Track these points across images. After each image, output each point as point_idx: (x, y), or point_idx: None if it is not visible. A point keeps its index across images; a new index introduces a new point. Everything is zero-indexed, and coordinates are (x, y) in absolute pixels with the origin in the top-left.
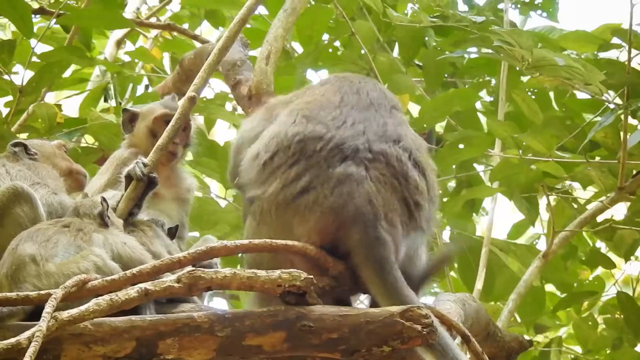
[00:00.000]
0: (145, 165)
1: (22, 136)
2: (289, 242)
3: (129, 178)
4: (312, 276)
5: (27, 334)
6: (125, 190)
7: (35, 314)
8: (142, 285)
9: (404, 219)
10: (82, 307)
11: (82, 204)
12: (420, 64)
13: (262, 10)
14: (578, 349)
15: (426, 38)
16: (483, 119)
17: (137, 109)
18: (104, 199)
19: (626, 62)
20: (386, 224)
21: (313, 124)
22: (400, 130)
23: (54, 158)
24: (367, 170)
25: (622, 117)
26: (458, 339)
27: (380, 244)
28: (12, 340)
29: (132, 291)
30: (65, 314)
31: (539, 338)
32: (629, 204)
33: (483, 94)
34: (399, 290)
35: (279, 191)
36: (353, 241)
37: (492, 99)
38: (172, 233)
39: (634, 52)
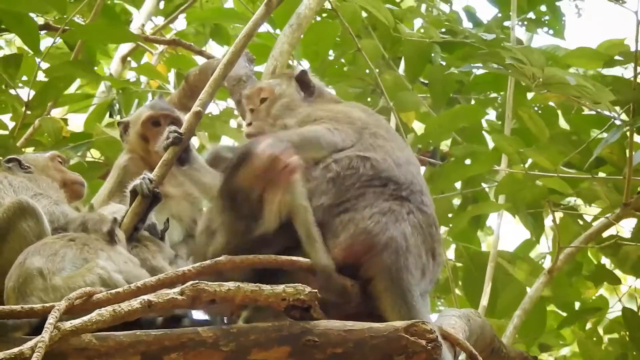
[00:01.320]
0: (151, 181)
1: (28, 150)
2: (294, 258)
3: (134, 193)
4: (316, 290)
5: (30, 344)
6: (130, 205)
7: (41, 328)
8: (145, 297)
9: (426, 267)
10: (85, 318)
11: (90, 218)
12: (426, 81)
13: (267, 27)
14: None
15: (433, 55)
16: (488, 137)
17: (128, 118)
18: (115, 219)
19: (632, 79)
20: (413, 262)
21: (400, 172)
22: (418, 172)
23: (48, 170)
24: (408, 215)
25: (628, 133)
26: (463, 355)
27: (409, 273)
28: (15, 350)
29: (135, 302)
30: (67, 324)
31: (544, 356)
32: (635, 220)
33: (489, 110)
34: (422, 317)
35: (325, 207)
36: (380, 266)
37: (497, 114)
38: (163, 230)
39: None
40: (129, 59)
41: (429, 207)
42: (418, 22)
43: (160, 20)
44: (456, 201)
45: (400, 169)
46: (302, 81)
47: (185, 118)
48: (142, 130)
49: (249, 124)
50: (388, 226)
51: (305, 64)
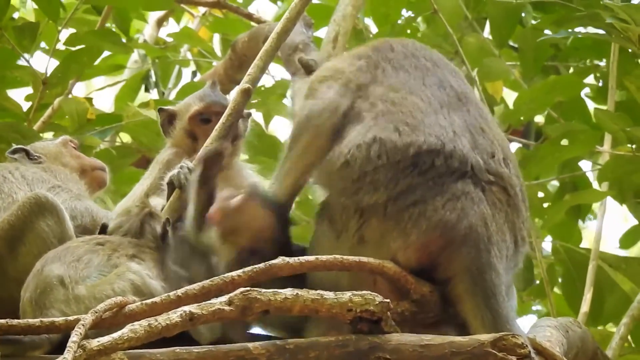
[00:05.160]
0: (190, 171)
1: (47, 135)
2: (363, 259)
3: (172, 185)
4: (388, 300)
5: None
6: (168, 200)
7: (63, 346)
8: (187, 308)
9: (509, 253)
10: (115, 335)
11: (149, 214)
12: (516, 45)
13: None
14: None
15: (523, 15)
16: (591, 107)
17: (174, 107)
18: (168, 220)
19: None
20: (498, 252)
21: (423, 135)
22: (500, 139)
23: (62, 158)
24: (483, 192)
25: None
26: None
27: (493, 271)
28: None
29: (174, 315)
30: (94, 343)
31: None
32: None
33: (590, 80)
34: (510, 324)
35: (382, 203)
36: (460, 264)
37: (600, 86)
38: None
39: None
40: (168, 19)
41: (508, 168)
42: None
43: None
44: (555, 183)
45: (424, 129)
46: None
47: (232, 97)
48: (190, 126)
49: None
50: (466, 212)
51: (372, 29)
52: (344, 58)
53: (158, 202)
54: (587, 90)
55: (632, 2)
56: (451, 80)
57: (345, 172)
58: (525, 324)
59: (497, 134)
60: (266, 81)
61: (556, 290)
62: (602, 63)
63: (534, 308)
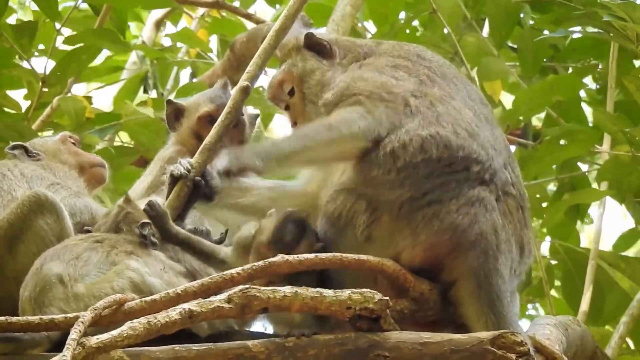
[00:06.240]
0: (191, 165)
1: (46, 134)
2: (363, 257)
3: (173, 182)
4: (387, 298)
5: None
6: (167, 198)
7: (62, 344)
8: (186, 306)
9: (514, 264)
10: (114, 332)
11: (127, 216)
12: (515, 45)
13: None
14: None
15: (522, 15)
16: (588, 110)
17: (183, 102)
18: (147, 223)
19: None
20: (504, 260)
21: (477, 144)
22: (511, 154)
23: (61, 155)
24: (497, 202)
25: None
26: None
27: (500, 277)
28: None
29: (173, 313)
30: (93, 340)
31: None
32: None
33: (588, 80)
34: (513, 328)
35: (402, 201)
36: (466, 268)
37: (599, 86)
38: (218, 242)
39: None
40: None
41: (516, 183)
42: None
43: None
44: (551, 187)
45: (478, 139)
46: (314, 46)
47: (231, 94)
48: (197, 127)
49: (294, 125)
50: (478, 218)
51: (371, 28)
52: (381, 66)
53: (158, 200)
54: (584, 95)
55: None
56: (479, 95)
57: (385, 159)
58: (523, 326)
59: (491, 122)
60: (265, 82)
61: (554, 293)
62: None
63: (528, 313)
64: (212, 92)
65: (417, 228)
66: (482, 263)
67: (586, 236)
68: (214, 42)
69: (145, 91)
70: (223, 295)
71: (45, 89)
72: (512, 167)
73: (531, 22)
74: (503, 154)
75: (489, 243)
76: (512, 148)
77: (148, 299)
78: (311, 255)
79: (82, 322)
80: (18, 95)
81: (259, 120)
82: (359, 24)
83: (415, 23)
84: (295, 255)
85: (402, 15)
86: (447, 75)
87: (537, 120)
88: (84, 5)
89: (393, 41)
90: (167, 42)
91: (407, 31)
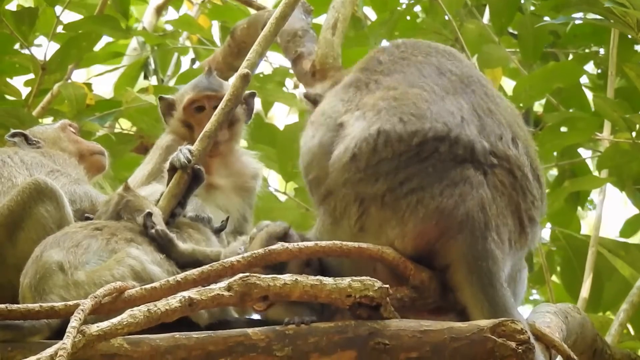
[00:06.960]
0: (191, 153)
1: (46, 121)
2: (363, 245)
3: (173, 170)
4: (387, 285)
5: (50, 351)
6: (168, 185)
7: (62, 331)
8: (186, 294)
9: (513, 236)
10: (114, 320)
11: (127, 204)
12: (515, 32)
13: None
14: None
15: (522, 1)
16: (589, 96)
17: (173, 96)
18: (149, 213)
19: None
20: (497, 237)
21: (429, 122)
22: (508, 116)
23: (60, 142)
24: (485, 175)
25: None
26: (559, 358)
27: (490, 258)
28: (33, 358)
29: (173, 300)
30: (94, 328)
31: None
32: None
33: (589, 67)
34: (509, 313)
35: (381, 193)
36: (456, 252)
37: (600, 71)
38: (219, 229)
39: None
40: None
41: (517, 148)
42: None
43: None
44: (553, 172)
45: (430, 116)
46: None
47: (231, 82)
48: (184, 116)
49: None
50: (464, 198)
51: (371, 15)
52: (335, 94)
53: (158, 188)
54: (585, 80)
55: None
56: (449, 65)
57: (351, 165)
58: (524, 313)
59: (505, 110)
60: (265, 68)
61: (555, 279)
62: (601, 52)
63: (532, 298)
64: (195, 80)
65: (404, 217)
66: (470, 246)
67: (587, 223)
68: (215, 28)
69: (146, 77)
70: (223, 283)
71: (46, 76)
72: (501, 132)
73: (532, 8)
74: (475, 121)
75: (476, 222)
76: None
77: (148, 286)
78: (311, 243)
79: (83, 310)
80: (18, 82)
81: (259, 105)
82: (359, 11)
83: (417, 9)
84: (296, 244)
85: (403, 1)
86: (395, 70)
87: (539, 107)
88: None
89: (375, 49)
90: (168, 28)
91: (408, 18)
